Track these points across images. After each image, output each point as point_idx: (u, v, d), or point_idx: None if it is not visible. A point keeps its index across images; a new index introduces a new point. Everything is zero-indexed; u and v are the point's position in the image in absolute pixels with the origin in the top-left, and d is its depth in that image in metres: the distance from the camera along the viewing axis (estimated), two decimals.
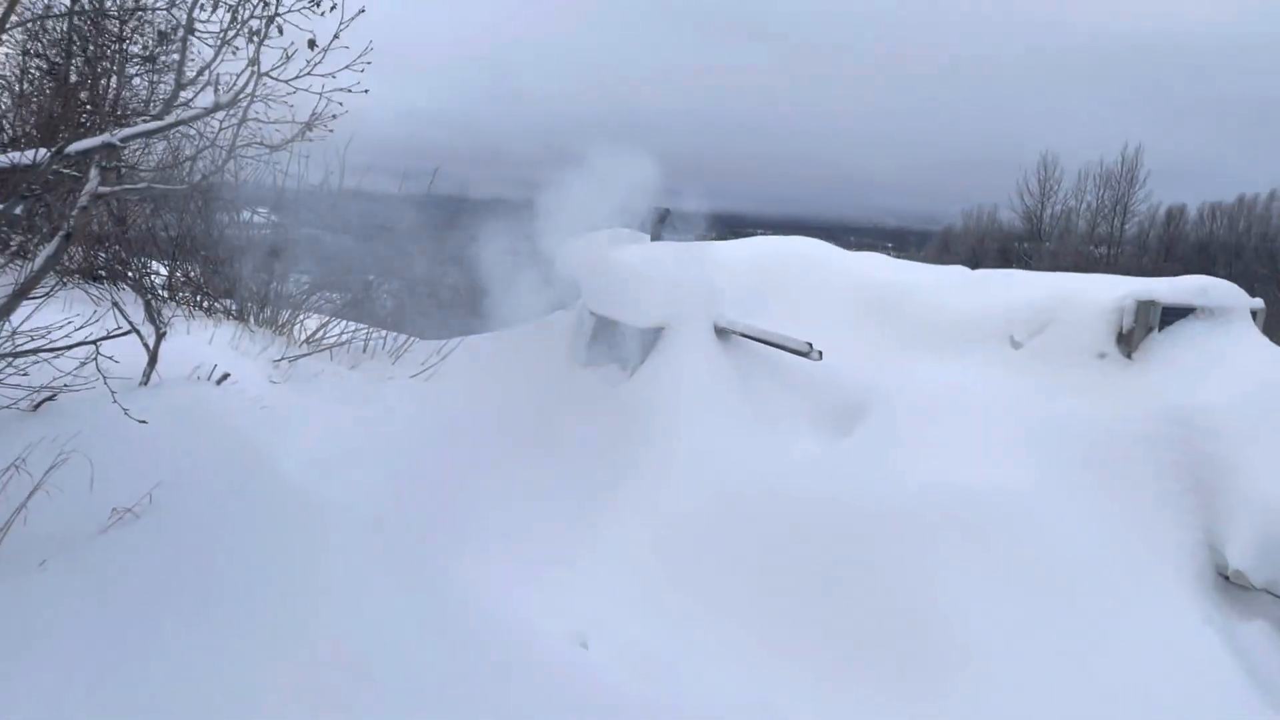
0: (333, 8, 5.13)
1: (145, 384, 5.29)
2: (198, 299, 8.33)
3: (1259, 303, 5.27)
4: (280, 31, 5.05)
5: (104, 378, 3.73)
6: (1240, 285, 5.19)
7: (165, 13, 5.71)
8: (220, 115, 5.29)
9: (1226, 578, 3.99)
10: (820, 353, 5.08)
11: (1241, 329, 4.96)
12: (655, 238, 8.18)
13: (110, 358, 3.80)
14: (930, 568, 4.19)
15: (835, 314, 5.99)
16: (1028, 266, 35.54)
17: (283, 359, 7.28)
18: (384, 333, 9.15)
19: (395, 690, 3.29)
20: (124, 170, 5.97)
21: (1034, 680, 3.68)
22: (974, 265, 6.89)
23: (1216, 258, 39.63)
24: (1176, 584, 3.93)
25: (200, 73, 5.33)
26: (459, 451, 6.09)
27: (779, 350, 5.62)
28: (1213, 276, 5.26)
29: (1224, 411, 4.21)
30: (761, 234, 7.91)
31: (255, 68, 5.36)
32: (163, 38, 5.42)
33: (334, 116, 5.64)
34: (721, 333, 5.98)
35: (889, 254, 8.30)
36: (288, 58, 5.40)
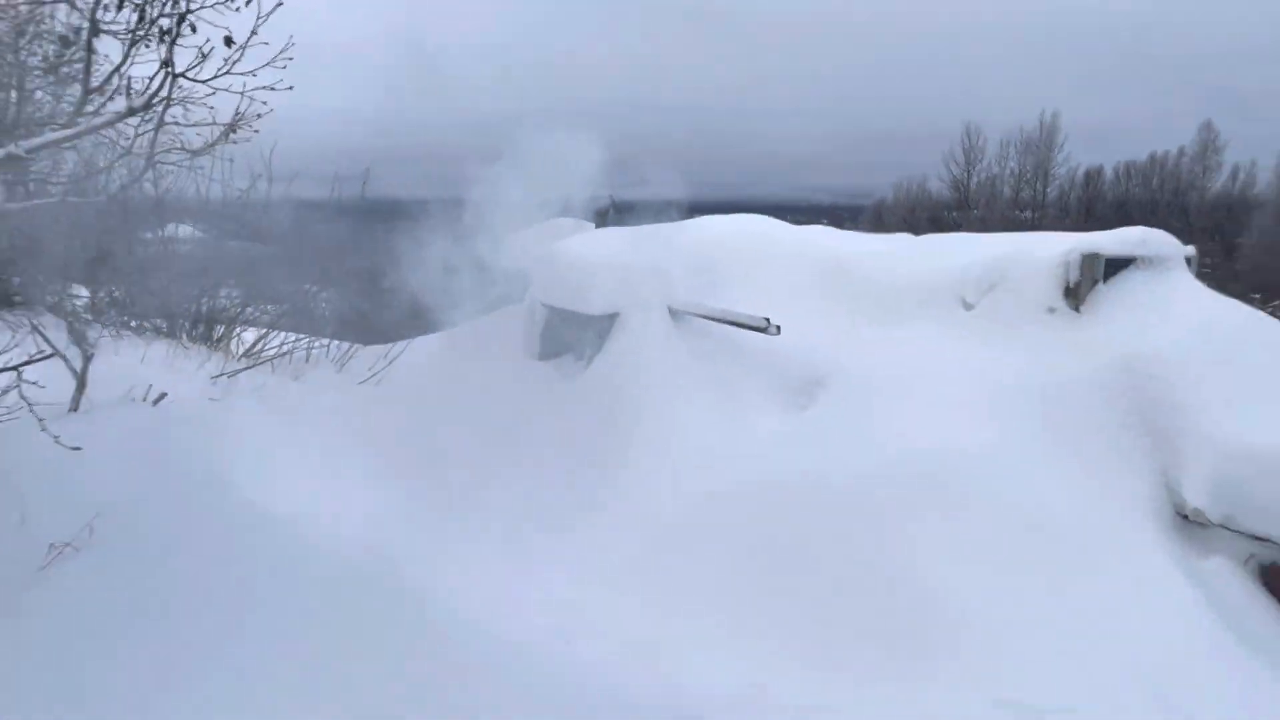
0: (248, 2, 4.88)
1: (75, 410, 4.99)
2: (125, 318, 7.93)
3: (1191, 250, 5.45)
4: (194, 29, 4.78)
5: (29, 405, 3.48)
6: None
7: (63, 19, 5.37)
8: (134, 120, 4.99)
9: (1185, 516, 4.11)
10: (778, 327, 5.06)
11: (1178, 275, 5.11)
12: (600, 228, 8.10)
13: (35, 383, 3.55)
14: (905, 534, 4.21)
15: (788, 288, 5.98)
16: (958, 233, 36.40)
17: (221, 375, 6.98)
18: (326, 341, 8.86)
19: (374, 705, 3.17)
20: (33, 186, 5.61)
21: (1015, 637, 3.72)
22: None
23: (1133, 215, 41.21)
24: (1140, 526, 4.03)
25: (109, 77, 5.02)
26: (415, 455, 5.91)
27: (736, 328, 5.59)
28: (1133, 226, 5.41)
29: (1171, 356, 4.32)
30: (698, 216, 7.86)
31: (169, 69, 5.08)
32: (64, 43, 5.08)
33: (258, 116, 5.39)
34: (676, 314, 5.93)
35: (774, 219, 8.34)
36: (203, 56, 5.13)
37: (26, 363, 3.61)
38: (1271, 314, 5.35)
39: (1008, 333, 4.83)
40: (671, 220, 7.45)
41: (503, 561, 4.87)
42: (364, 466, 5.64)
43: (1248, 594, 3.91)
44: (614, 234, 7.12)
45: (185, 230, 9.27)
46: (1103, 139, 53.03)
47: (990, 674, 3.65)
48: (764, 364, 5.49)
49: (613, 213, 7.92)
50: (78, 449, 3.51)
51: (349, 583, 3.96)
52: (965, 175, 43.61)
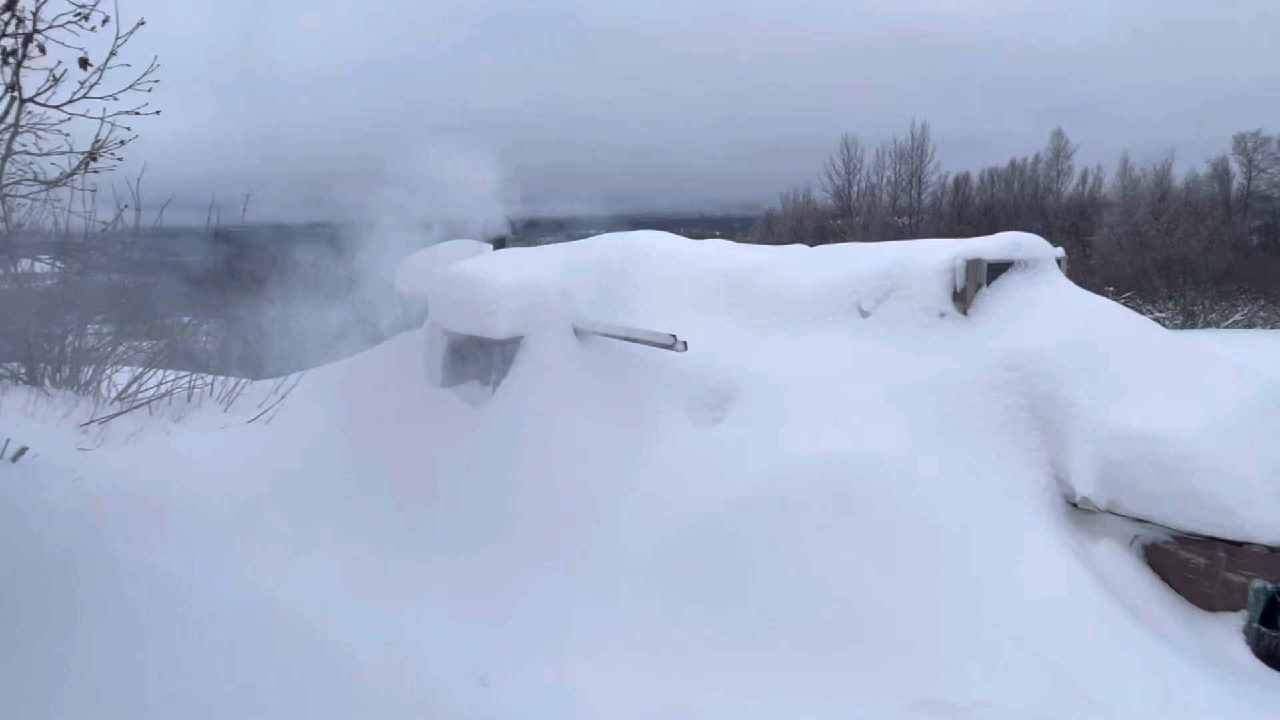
0: (105, 21, 4.53)
1: None
2: None
3: (1060, 251, 5.83)
4: (43, 51, 4.40)
5: None
6: None
7: None
8: None
9: (1075, 504, 4.36)
10: (685, 344, 5.09)
11: (1051, 276, 5.46)
12: (498, 249, 7.96)
13: None
14: (819, 541, 4.29)
15: (691, 302, 6.03)
16: (843, 241, 38.06)
17: (91, 421, 6.44)
18: (210, 378, 8.33)
19: None
20: None
21: (930, 636, 3.84)
22: (797, 243, 7.17)
23: (999, 217, 44.13)
24: (1036, 517, 4.24)
25: None
26: (315, 495, 5.61)
27: (641, 346, 5.59)
28: (1010, 232, 5.77)
29: (1052, 353, 4.59)
30: (595, 234, 7.87)
31: (16, 93, 4.67)
32: None
33: (121, 143, 5.02)
34: (581, 334, 5.87)
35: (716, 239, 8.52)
36: (55, 80, 4.74)
37: None
38: (1124, 305, 5.81)
39: (903, 338, 5.02)
40: (565, 237, 7.42)
41: (409, 605, 4.67)
42: (271, 513, 5.31)
43: (1134, 572, 4.18)
44: (513, 255, 7.01)
45: (42, 266, 8.53)
46: (968, 148, 56.70)
47: (909, 674, 3.76)
48: (673, 380, 5.51)
49: (510, 234, 7.81)
50: None
51: (259, 648, 3.69)
52: (846, 185, 45.61)
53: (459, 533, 5.18)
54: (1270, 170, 41.17)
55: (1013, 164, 46.12)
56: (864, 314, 5.28)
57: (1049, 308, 4.95)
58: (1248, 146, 40.59)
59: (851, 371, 4.99)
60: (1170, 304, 28.97)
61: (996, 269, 5.20)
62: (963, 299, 5.02)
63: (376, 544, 5.22)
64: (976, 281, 5.03)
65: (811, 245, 6.68)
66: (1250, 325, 27.57)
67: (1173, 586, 4.18)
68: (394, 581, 4.92)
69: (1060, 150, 44.43)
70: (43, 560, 4.07)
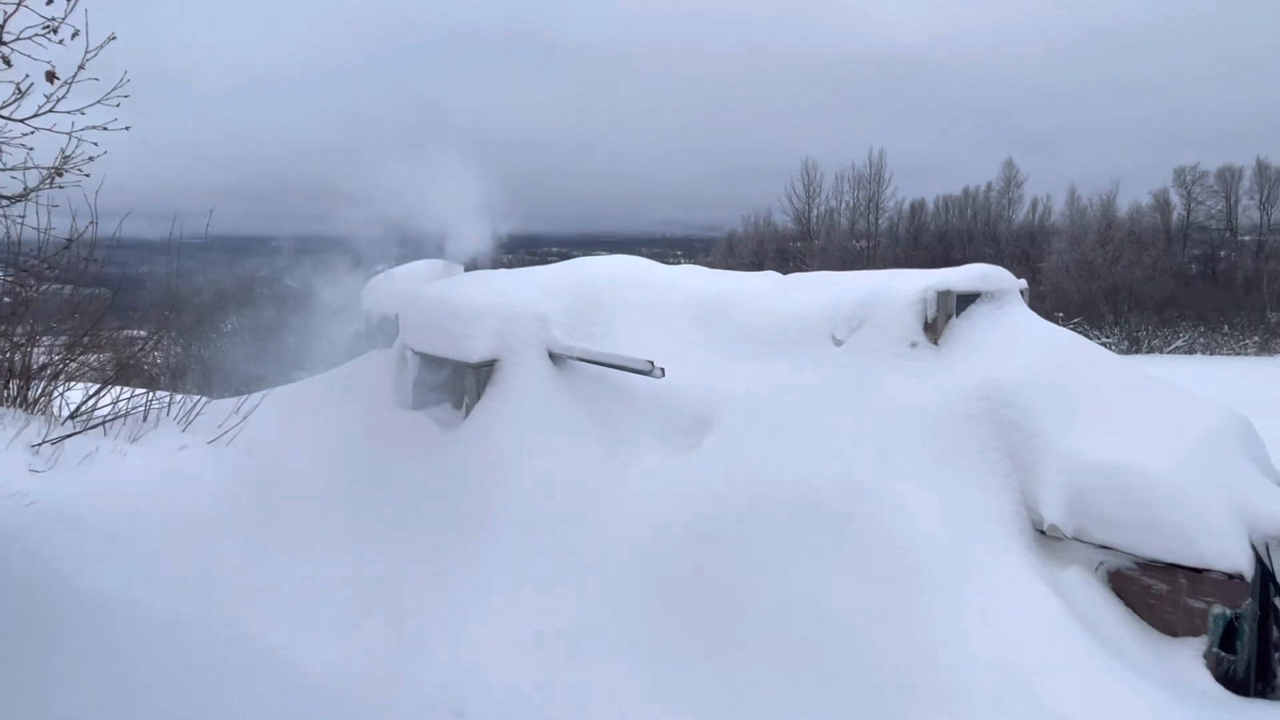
0: (74, 35, 4.43)
1: None
2: None
3: (1024, 283, 6.01)
4: (8, 63, 4.29)
5: None
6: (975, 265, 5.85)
7: None
8: None
9: (1043, 531, 4.47)
10: (662, 370, 5.11)
11: (1015, 307, 5.62)
12: (469, 270, 7.91)
13: None
14: (797, 566, 4.33)
15: (666, 328, 6.06)
16: (803, 263, 38.59)
17: (44, 442, 6.21)
18: (166, 396, 8.10)
19: None
20: None
21: (903, 659, 3.90)
22: (758, 265, 7.30)
23: (953, 243, 45.28)
24: (1005, 544, 4.34)
25: None
26: (282, 520, 5.48)
27: (617, 371, 5.60)
28: (976, 264, 5.93)
29: (1020, 383, 4.72)
30: (560, 253, 7.89)
31: None
32: None
33: (90, 159, 4.89)
34: (557, 359, 5.86)
35: (679, 261, 8.61)
36: (21, 93, 4.61)
37: None
38: (1073, 330, 6.01)
39: (876, 366, 5.11)
40: (527, 254, 7.41)
41: (390, 629, 4.58)
42: (233, 539, 5.17)
43: (1100, 598, 4.29)
44: (486, 276, 6.97)
45: None
46: (924, 174, 58.26)
47: (882, 698, 3.80)
48: (649, 406, 5.53)
49: (499, 254, 7.76)
50: None
51: (212, 677, 3.58)
52: (806, 208, 46.39)
53: (431, 557, 5.10)
54: (1208, 202, 43.03)
55: (966, 191, 47.45)
56: (838, 342, 5.37)
57: (1016, 338, 5.10)
58: (1187, 179, 42.37)
59: (826, 398, 5.06)
60: (1116, 330, 29.99)
61: (965, 300, 5.34)
62: (934, 329, 5.14)
63: (343, 569, 5.11)
64: (947, 312, 5.16)
65: (772, 267, 6.78)
66: (1191, 351, 28.66)
67: (1137, 612, 4.30)
68: (362, 607, 4.82)
69: (1011, 179, 45.83)
70: (5, 591, 3.93)
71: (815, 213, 46.44)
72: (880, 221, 46.30)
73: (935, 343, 5.12)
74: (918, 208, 48.09)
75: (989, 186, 46.41)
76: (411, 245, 8.81)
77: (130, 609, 3.82)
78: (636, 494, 5.11)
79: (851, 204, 45.93)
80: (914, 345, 5.10)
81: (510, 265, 8.26)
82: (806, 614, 4.16)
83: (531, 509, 5.13)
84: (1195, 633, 4.12)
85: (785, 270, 8.40)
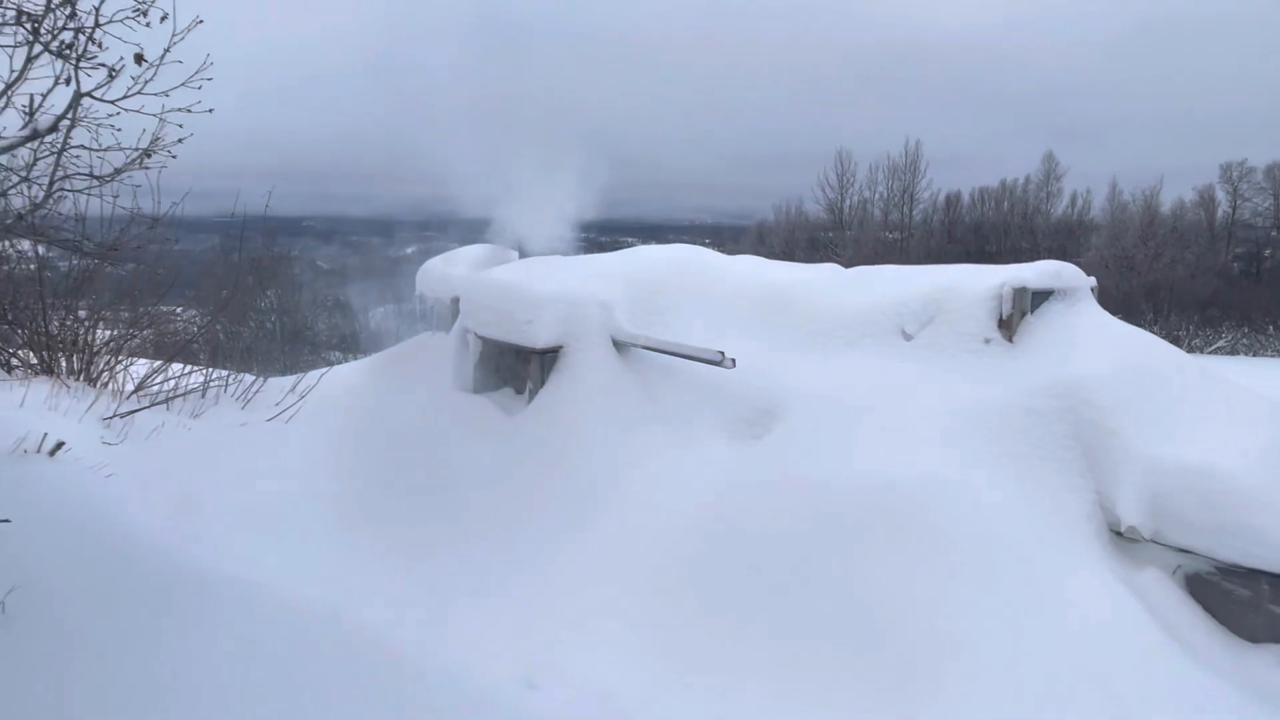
0: (163, 18, 4.50)
1: None
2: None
3: (1094, 281, 5.92)
4: (100, 46, 4.37)
5: None
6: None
7: None
8: (34, 145, 4.52)
9: (1119, 533, 4.43)
10: (733, 360, 5.11)
11: (1087, 305, 5.55)
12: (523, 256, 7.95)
13: None
14: (868, 561, 4.32)
15: (728, 317, 6.06)
16: (834, 253, 38.30)
17: (114, 416, 6.36)
18: (226, 374, 8.25)
19: None
20: None
21: (980, 659, 3.89)
22: (789, 255, 7.26)
23: (989, 236, 44.65)
24: (1082, 544, 4.30)
25: (1, 94, 4.52)
26: (355, 498, 5.57)
27: (681, 360, 5.60)
28: (1048, 260, 5.85)
29: (1098, 381, 4.67)
30: (589, 239, 7.89)
31: (76, 88, 4.62)
32: None
33: (178, 140, 4.98)
34: (620, 346, 5.87)
35: (708, 248, 8.55)
36: (111, 76, 4.70)
37: None
38: None
39: (948, 362, 5.07)
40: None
41: (461, 606, 4.65)
42: (299, 514, 5.26)
43: (1178, 602, 4.25)
44: (546, 263, 7.00)
45: (58, 250, 8.41)
46: (960, 166, 57.40)
47: (962, 699, 3.79)
48: (713, 395, 5.53)
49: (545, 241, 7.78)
50: (6, 520, 3.09)
51: (309, 647, 3.66)
52: (839, 198, 45.91)
53: (498, 539, 5.16)
54: (1254, 199, 41.98)
55: (1003, 184, 46.65)
56: (907, 337, 5.33)
57: (1091, 336, 5.03)
58: (1233, 175, 41.37)
59: (896, 393, 5.03)
60: (1156, 328, 29.46)
61: (1038, 297, 5.27)
62: (1008, 326, 5.09)
63: (413, 549, 5.18)
64: (1022, 309, 5.10)
65: (803, 257, 6.75)
66: (1233, 351, 28.09)
67: (1215, 617, 4.25)
68: (434, 585, 4.89)
69: (1051, 172, 45.00)
70: (91, 558, 4.04)
71: (848, 203, 45.98)
72: (914, 213, 45.75)
73: (1010, 339, 5.07)
74: (953, 200, 47.42)
75: (1027, 179, 45.63)
76: (468, 230, 8.87)
77: (224, 581, 3.92)
78: (701, 483, 5.12)
79: (885, 195, 45.41)
80: (988, 341, 5.05)
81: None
82: (876, 607, 4.16)
83: (595, 495, 5.16)
84: (1277, 639, 4.07)
85: (815, 261, 8.36)
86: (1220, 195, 41.60)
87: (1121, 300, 31.39)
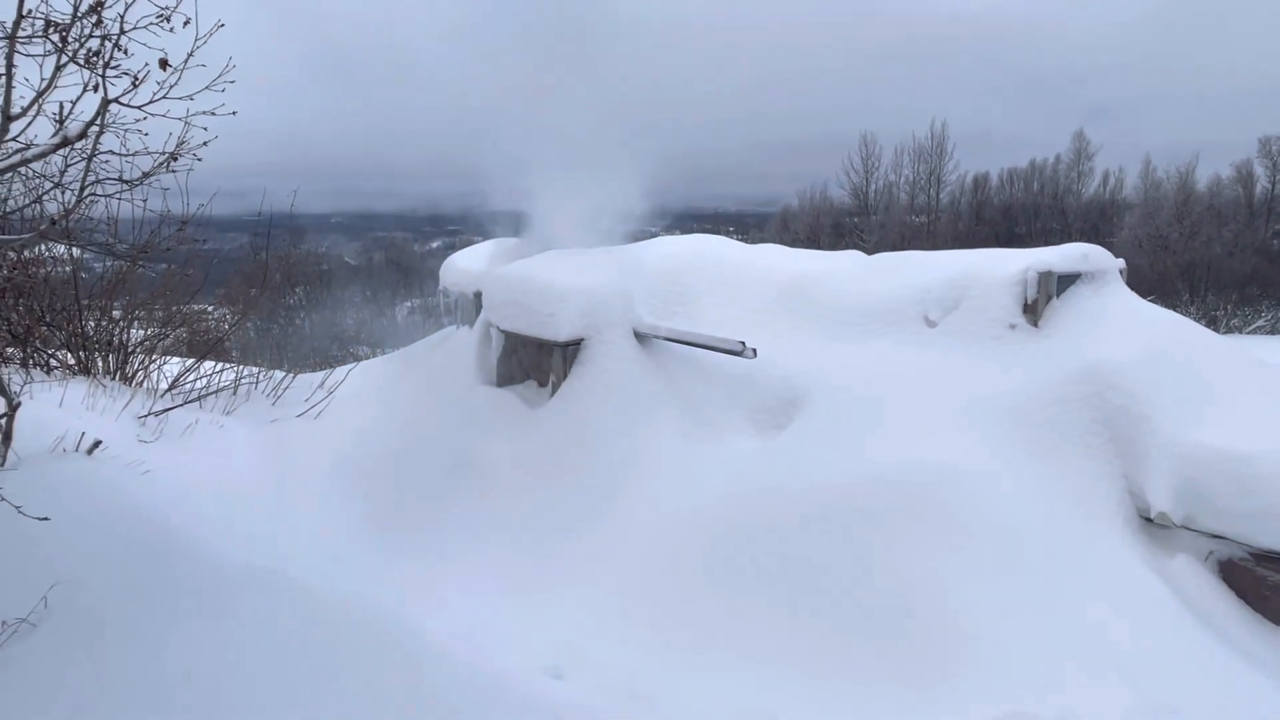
0: (186, 23, 4.58)
1: (1, 465, 4.55)
2: (33, 354, 7.29)
3: (1122, 263, 5.81)
4: (126, 53, 4.46)
5: None
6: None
7: None
8: (65, 151, 4.63)
9: (1149, 519, 4.36)
10: (754, 350, 5.10)
11: (1116, 288, 5.45)
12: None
13: None
14: (895, 549, 4.31)
15: (750, 308, 6.04)
16: (860, 239, 37.90)
17: (148, 414, 6.51)
18: (256, 371, 8.40)
19: None
20: None
21: (1008, 646, 3.86)
22: (813, 242, 7.21)
23: (1018, 218, 43.92)
24: (1111, 530, 4.25)
25: (33, 102, 4.62)
26: (383, 492, 5.65)
27: (703, 350, 5.60)
28: (1074, 243, 5.75)
29: (1128, 366, 4.59)
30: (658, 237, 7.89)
31: (103, 94, 4.72)
32: None
33: (204, 144, 5.07)
34: (643, 338, 5.89)
35: (731, 236, 8.53)
36: (135, 83, 4.79)
37: None
38: None
39: (973, 348, 5.02)
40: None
41: (487, 597, 4.71)
42: (328, 507, 5.36)
43: (1210, 589, 4.19)
44: (567, 256, 7.02)
45: (92, 252, 8.61)
46: (988, 147, 56.39)
47: (990, 685, 3.77)
48: (734, 386, 5.52)
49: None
50: (46, 519, 3.18)
51: (342, 640, 3.73)
52: (864, 183, 45.36)
53: (522, 530, 5.21)
54: None
55: (1032, 164, 45.80)
56: (931, 323, 5.28)
57: (1120, 321, 4.95)
58: (1272, 150, 40.20)
59: (920, 381, 4.99)
60: (1192, 308, 28.82)
61: (1064, 280, 5.19)
62: (1033, 310, 5.02)
63: (441, 541, 5.26)
64: (1048, 293, 5.03)
65: (828, 244, 6.70)
66: (1273, 331, 27.42)
67: (1248, 603, 4.18)
68: (461, 575, 4.96)
69: (1081, 151, 44.07)
70: (129, 554, 4.14)
71: (873, 187, 45.40)
72: (941, 196, 45.09)
73: (1035, 324, 5.00)
74: (981, 181, 46.66)
75: (1057, 159, 44.74)
76: (492, 224, 8.93)
77: (259, 575, 4.00)
78: (724, 473, 5.12)
79: (911, 178, 44.77)
80: (1013, 327, 4.99)
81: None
82: (910, 599, 4.14)
83: (619, 486, 5.19)
84: None
85: (839, 247, 8.27)
86: (1259, 170, 40.44)
87: (1156, 281, 30.72)
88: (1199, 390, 4.63)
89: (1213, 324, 28.15)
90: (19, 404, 4.77)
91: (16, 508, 3.15)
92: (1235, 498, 4.15)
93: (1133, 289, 5.55)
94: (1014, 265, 5.10)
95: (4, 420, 4.69)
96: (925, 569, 4.19)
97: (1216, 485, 4.21)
